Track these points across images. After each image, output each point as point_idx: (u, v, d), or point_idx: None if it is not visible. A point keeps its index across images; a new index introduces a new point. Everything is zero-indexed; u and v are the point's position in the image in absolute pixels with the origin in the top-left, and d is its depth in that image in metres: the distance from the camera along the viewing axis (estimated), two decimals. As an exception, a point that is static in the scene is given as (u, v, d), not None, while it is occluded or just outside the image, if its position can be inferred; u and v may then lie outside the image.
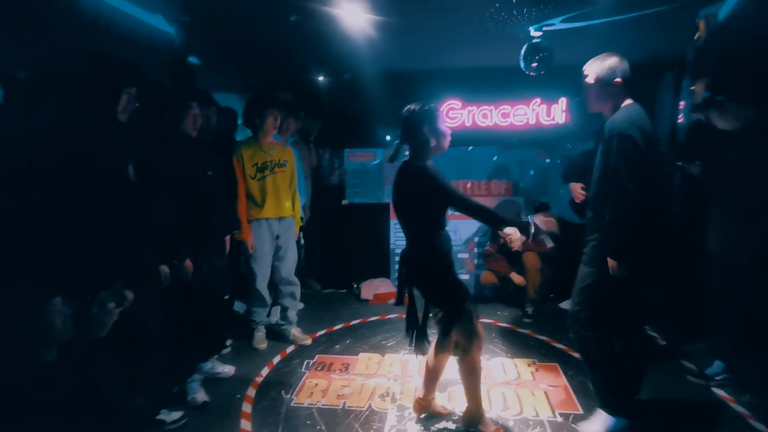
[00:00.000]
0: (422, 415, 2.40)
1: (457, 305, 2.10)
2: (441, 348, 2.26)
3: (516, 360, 3.04)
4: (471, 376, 2.18)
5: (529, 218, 2.18)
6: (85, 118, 1.97)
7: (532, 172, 4.44)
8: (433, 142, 2.09)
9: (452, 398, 2.59)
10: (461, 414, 2.33)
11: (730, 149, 2.59)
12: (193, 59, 3.54)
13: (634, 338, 2.23)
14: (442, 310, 2.14)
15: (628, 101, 2.10)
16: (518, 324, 3.66)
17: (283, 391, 2.70)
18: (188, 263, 2.41)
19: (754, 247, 2.49)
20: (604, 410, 2.23)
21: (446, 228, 2.16)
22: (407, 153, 2.14)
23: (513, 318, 3.78)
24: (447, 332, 2.14)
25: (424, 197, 2.06)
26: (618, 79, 2.08)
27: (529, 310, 3.77)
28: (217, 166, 2.67)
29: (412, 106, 2.12)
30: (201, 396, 2.55)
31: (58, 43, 2.68)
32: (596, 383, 2.25)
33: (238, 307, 3.95)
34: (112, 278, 1.56)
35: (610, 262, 2.02)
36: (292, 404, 2.57)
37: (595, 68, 2.12)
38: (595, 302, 2.14)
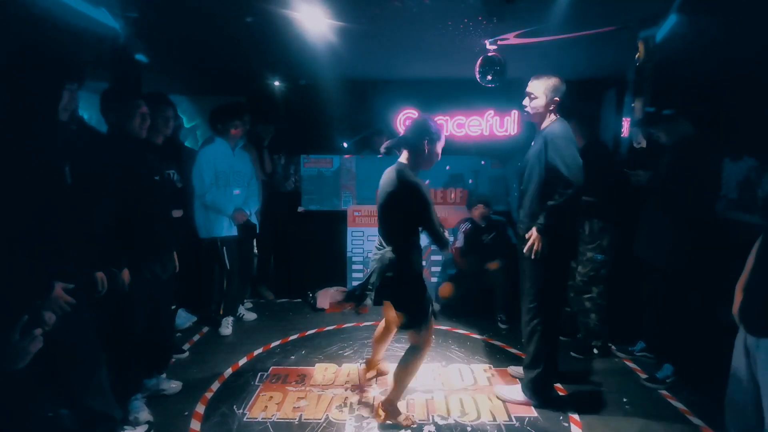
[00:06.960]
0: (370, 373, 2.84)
1: (419, 314, 2.26)
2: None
3: (472, 366, 3.08)
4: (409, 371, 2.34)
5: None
6: (21, 115, 1.78)
7: (485, 163, 4.57)
8: (425, 155, 2.23)
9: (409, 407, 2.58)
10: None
11: (664, 160, 2.79)
12: (140, 57, 3.35)
13: None
14: (405, 314, 2.26)
15: (557, 116, 2.49)
16: (474, 330, 3.72)
17: (234, 406, 2.57)
18: (125, 273, 2.24)
19: (684, 253, 2.67)
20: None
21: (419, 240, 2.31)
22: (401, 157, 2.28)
23: (469, 324, 3.83)
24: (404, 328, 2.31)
25: (408, 210, 2.18)
26: (557, 98, 2.44)
27: (503, 316, 3.83)
28: (164, 170, 2.53)
29: (425, 116, 2.31)
30: (144, 415, 2.37)
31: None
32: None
33: (186, 318, 3.76)
34: (32, 296, 1.38)
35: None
36: (245, 419, 2.45)
37: (541, 86, 2.44)
38: None
